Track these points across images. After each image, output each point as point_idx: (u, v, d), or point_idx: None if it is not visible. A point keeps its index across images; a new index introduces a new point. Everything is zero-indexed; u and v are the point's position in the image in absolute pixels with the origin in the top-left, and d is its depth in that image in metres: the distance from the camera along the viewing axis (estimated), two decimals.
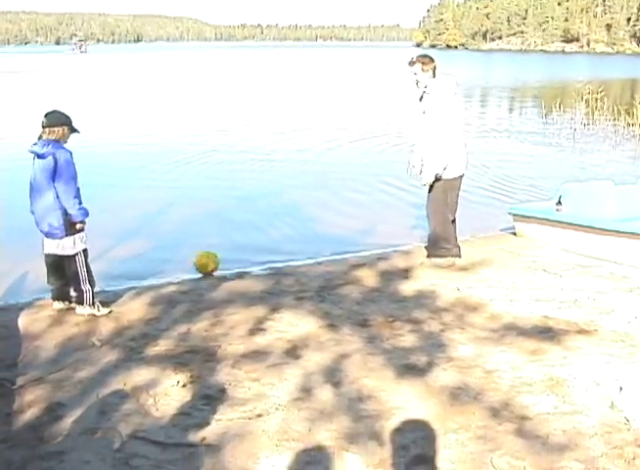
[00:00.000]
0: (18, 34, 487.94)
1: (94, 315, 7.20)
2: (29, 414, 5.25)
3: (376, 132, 22.74)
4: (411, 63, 8.42)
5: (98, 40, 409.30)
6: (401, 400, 5.23)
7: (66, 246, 7.05)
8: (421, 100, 8.56)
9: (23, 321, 7.19)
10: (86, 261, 7.22)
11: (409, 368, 5.77)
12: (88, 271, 7.25)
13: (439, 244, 8.72)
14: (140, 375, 5.78)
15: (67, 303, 7.39)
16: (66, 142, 7.05)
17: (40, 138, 6.93)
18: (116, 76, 65.57)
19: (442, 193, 8.54)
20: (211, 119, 27.14)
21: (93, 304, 7.25)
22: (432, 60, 8.43)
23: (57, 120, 6.96)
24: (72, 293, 7.31)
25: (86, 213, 7.10)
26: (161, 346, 6.37)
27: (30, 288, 8.54)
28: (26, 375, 5.92)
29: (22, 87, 51.26)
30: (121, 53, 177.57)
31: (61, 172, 6.82)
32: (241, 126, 24.57)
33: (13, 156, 17.64)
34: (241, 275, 8.59)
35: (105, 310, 7.28)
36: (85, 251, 7.21)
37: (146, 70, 78.24)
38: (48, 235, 7.03)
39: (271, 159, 17.90)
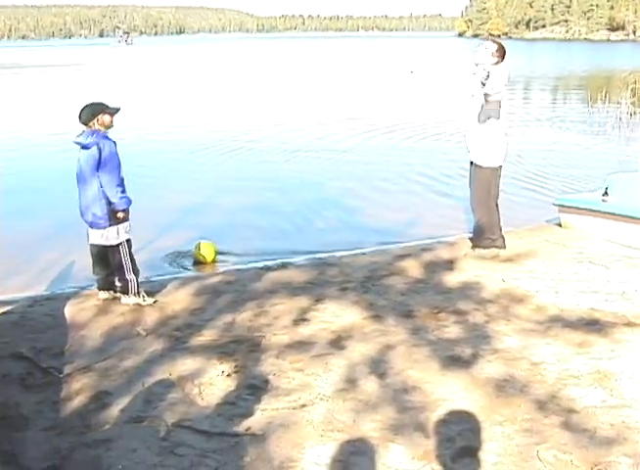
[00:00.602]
0: (62, 28, 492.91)
1: (139, 305, 7.28)
2: (77, 402, 5.32)
3: (415, 122, 22.56)
4: (491, 41, 8.52)
5: (141, 32, 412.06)
6: (446, 392, 5.21)
7: (109, 236, 7.14)
8: (483, 84, 8.24)
9: (70, 310, 7.28)
10: (130, 251, 7.31)
11: (454, 360, 5.75)
12: (132, 261, 7.33)
13: (485, 234, 8.66)
14: (185, 365, 5.82)
15: (112, 292, 7.48)
16: (112, 126, 7.13)
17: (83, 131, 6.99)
18: (164, 68, 66.25)
19: (486, 183, 8.48)
20: (252, 111, 27.22)
21: (138, 293, 7.33)
22: (505, 52, 8.44)
23: (89, 115, 7.01)
24: (117, 283, 7.40)
25: (129, 202, 7.18)
26: (206, 336, 6.41)
27: (77, 278, 8.65)
28: (73, 364, 6.00)
29: (80, 79, 51.77)
30: (166, 45, 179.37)
31: (105, 162, 6.92)
32: (280, 118, 24.55)
33: (62, 147, 17.89)
34: (285, 265, 8.61)
35: (150, 300, 7.36)
36: (129, 241, 7.30)
37: (190, 62, 79.01)
38: (92, 225, 7.13)
39: (312, 150, 17.89)
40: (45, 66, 73.52)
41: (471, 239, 8.91)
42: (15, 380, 5.73)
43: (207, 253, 9.06)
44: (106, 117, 7.04)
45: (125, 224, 7.21)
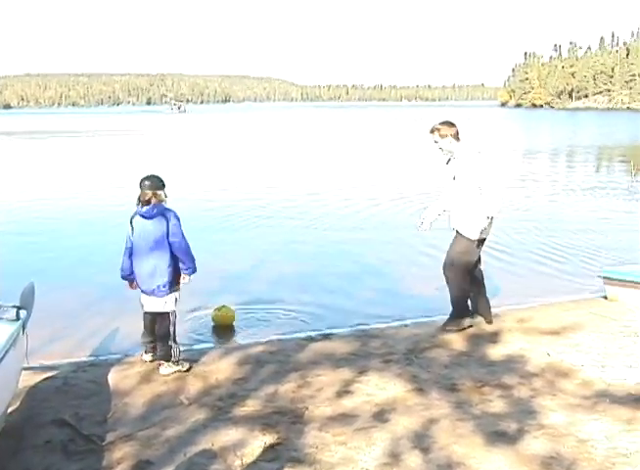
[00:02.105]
0: (111, 95, 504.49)
1: (179, 371, 7.35)
2: None
3: None
4: (430, 131, 8.39)
5: (187, 100, 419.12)
6: (492, 468, 5.13)
7: (169, 302, 7.38)
8: (448, 163, 8.46)
9: (113, 377, 7.32)
10: (175, 320, 7.50)
11: (499, 435, 5.66)
12: (175, 329, 7.50)
13: (462, 310, 8.65)
14: (228, 435, 5.80)
15: (155, 355, 7.62)
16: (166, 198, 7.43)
17: (139, 199, 7.30)
18: (215, 136, 67.45)
19: (466, 256, 8.42)
20: (293, 179, 27.43)
21: (178, 361, 7.43)
22: (451, 125, 8.34)
23: (159, 184, 7.37)
24: (159, 350, 7.51)
25: (195, 269, 7.51)
26: (249, 406, 6.39)
27: (120, 344, 8.73)
28: (116, 432, 6.00)
29: (142, 145, 53.14)
30: (215, 113, 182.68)
31: (173, 231, 7.24)
32: (321, 186, 24.65)
33: (107, 214, 18.22)
34: (327, 336, 8.60)
35: (187, 365, 7.47)
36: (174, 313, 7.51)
37: (238, 129, 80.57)
38: (155, 293, 7.32)
39: (352, 219, 17.95)
40: (109, 131, 76.88)
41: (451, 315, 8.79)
42: (57, 447, 5.75)
43: (226, 317, 9.31)
44: (165, 195, 7.39)
45: (178, 293, 7.49)
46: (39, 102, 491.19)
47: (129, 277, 7.58)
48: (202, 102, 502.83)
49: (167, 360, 7.43)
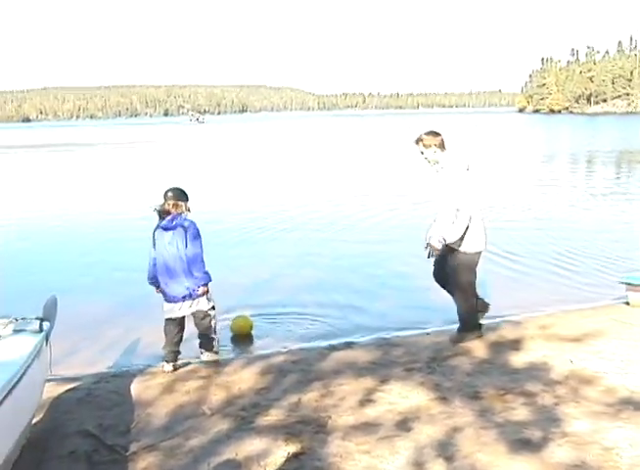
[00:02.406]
0: (129, 107, 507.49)
1: (217, 360, 8.11)
2: None
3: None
4: (415, 142, 8.32)
5: (205, 111, 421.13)
6: None
7: (202, 302, 7.90)
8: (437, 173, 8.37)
9: (136, 388, 7.38)
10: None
11: (523, 443, 5.63)
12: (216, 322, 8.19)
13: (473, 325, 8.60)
14: (251, 445, 5.81)
15: (176, 364, 7.96)
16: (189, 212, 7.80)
17: (161, 207, 7.70)
18: (233, 145, 67.99)
19: (467, 270, 8.35)
20: (315, 189, 27.46)
21: (217, 352, 8.21)
22: (436, 134, 8.27)
23: (182, 196, 7.84)
24: (200, 345, 8.19)
25: (209, 278, 7.89)
26: (272, 416, 6.40)
27: (141, 355, 8.82)
28: (139, 442, 6.04)
29: (164, 156, 53.63)
30: (234, 123, 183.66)
31: (191, 239, 7.63)
32: (343, 196, 24.67)
33: (131, 225, 18.33)
34: (349, 345, 8.59)
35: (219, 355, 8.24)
36: (213, 307, 8.08)
37: (256, 139, 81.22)
38: (185, 298, 7.76)
39: (376, 228, 17.93)
40: (131, 142, 77.64)
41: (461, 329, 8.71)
42: (81, 457, 5.80)
43: (244, 327, 9.44)
44: (188, 207, 7.88)
45: (210, 293, 7.99)
46: (58, 115, 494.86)
47: (156, 283, 8.00)
48: (219, 112, 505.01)
49: (209, 350, 8.12)
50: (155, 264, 7.88)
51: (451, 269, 8.41)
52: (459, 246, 8.20)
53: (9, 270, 13.87)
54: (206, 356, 8.14)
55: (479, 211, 8.24)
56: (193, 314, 7.99)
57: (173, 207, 7.72)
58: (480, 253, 8.36)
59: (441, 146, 8.21)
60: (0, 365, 5.27)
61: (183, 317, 8.00)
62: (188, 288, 7.76)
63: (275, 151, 56.65)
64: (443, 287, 8.71)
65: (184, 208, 7.79)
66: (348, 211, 20.54)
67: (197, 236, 7.69)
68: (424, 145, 8.21)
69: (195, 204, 8.09)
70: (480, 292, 8.57)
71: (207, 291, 7.93)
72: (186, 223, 7.67)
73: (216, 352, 8.21)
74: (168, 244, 7.68)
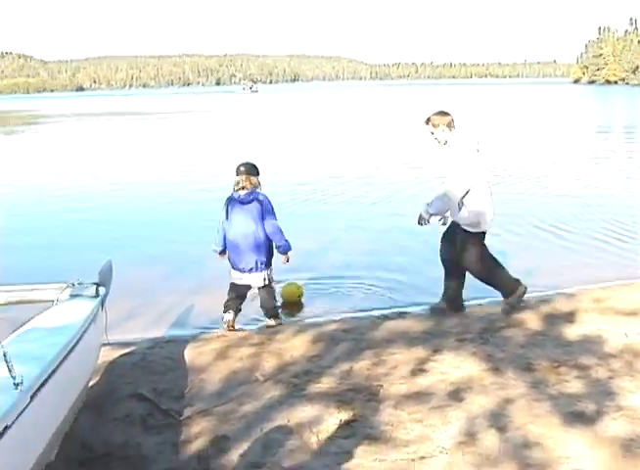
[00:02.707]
0: (181, 76, 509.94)
1: (280, 324, 8.42)
2: (196, 445, 5.41)
3: (532, 173, 22.15)
4: (425, 121, 8.24)
5: (256, 80, 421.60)
6: (570, 450, 5.06)
7: (267, 277, 8.21)
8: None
9: (189, 354, 7.45)
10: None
11: (577, 416, 5.58)
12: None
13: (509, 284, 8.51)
14: (303, 412, 5.84)
15: (235, 316, 8.41)
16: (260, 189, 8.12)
17: (237, 184, 8.06)
18: (292, 114, 68.49)
19: (480, 248, 8.29)
20: (368, 157, 27.30)
21: (281, 318, 8.57)
22: (445, 114, 8.17)
23: (254, 170, 8.19)
24: (266, 313, 8.52)
25: (290, 246, 8.26)
26: (324, 383, 6.42)
27: (195, 321, 8.92)
28: (193, 407, 6.10)
29: (222, 125, 54.01)
30: (286, 92, 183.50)
31: (267, 213, 7.98)
32: (397, 164, 24.55)
33: (191, 195, 18.47)
34: (402, 315, 8.57)
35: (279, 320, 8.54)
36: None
37: (314, 108, 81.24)
38: (253, 271, 8.14)
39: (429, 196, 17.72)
40: (186, 111, 78.87)
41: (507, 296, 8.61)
42: (136, 420, 5.87)
43: (294, 293, 9.57)
44: (259, 181, 8.24)
45: (272, 270, 8.31)
46: (111, 84, 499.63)
47: (223, 251, 8.36)
48: (270, 81, 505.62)
49: (274, 317, 8.45)
50: (225, 236, 8.20)
51: (457, 250, 8.34)
52: (467, 225, 8.15)
53: (68, 235, 14.12)
54: (273, 322, 8.42)
55: (488, 191, 8.16)
56: (258, 286, 8.27)
57: (246, 181, 8.04)
58: (484, 232, 8.30)
59: (450, 125, 8.12)
60: (58, 329, 5.35)
61: (248, 286, 8.33)
62: (257, 261, 8.05)
63: (329, 119, 56.55)
64: (448, 266, 8.61)
65: (256, 181, 8.13)
66: (403, 180, 20.42)
67: (272, 209, 8.04)
68: (433, 125, 8.15)
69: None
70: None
71: (288, 258, 8.33)
72: (260, 197, 8.00)
73: (280, 318, 8.52)
74: (243, 217, 7.99)
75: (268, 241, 8.09)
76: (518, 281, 8.53)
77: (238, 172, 8.12)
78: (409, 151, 29.28)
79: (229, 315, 8.30)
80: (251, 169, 8.16)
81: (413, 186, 19.27)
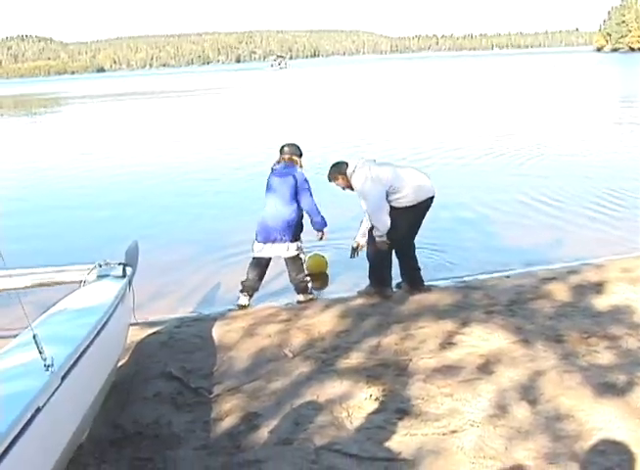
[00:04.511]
0: (200, 54, 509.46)
1: (311, 299, 8.47)
2: (227, 423, 5.42)
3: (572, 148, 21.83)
4: (331, 179, 8.38)
5: (284, 55, 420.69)
6: (601, 421, 5.03)
7: (291, 248, 8.22)
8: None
9: (217, 332, 7.46)
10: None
11: (608, 387, 5.55)
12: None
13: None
14: (333, 387, 5.84)
15: (250, 298, 8.48)
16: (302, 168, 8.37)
17: (279, 163, 8.25)
18: (325, 90, 67.59)
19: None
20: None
21: (311, 292, 8.58)
22: (335, 166, 8.32)
23: (297, 151, 8.40)
24: (296, 287, 8.52)
25: (325, 223, 8.43)
26: (353, 358, 6.42)
27: (222, 300, 8.92)
28: (222, 384, 6.12)
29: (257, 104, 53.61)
30: (313, 67, 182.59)
31: (302, 190, 8.15)
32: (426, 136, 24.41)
33: (216, 173, 18.48)
34: (429, 288, 8.51)
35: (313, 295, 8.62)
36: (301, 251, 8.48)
37: (353, 82, 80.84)
38: (278, 240, 8.20)
39: (458, 165, 17.74)
40: (218, 88, 77.93)
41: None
42: (166, 399, 5.90)
43: (319, 265, 9.58)
44: (303, 160, 8.44)
45: (301, 244, 8.40)
46: (131, 64, 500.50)
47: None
48: (290, 57, 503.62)
49: (304, 292, 8.47)
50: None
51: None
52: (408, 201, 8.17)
53: (96, 216, 14.20)
54: (302, 297, 8.47)
55: (407, 172, 8.34)
56: (285, 260, 8.35)
57: (289, 160, 8.26)
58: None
59: (341, 173, 8.26)
60: (87, 310, 5.37)
61: (269, 260, 8.39)
62: (280, 232, 8.12)
63: (375, 93, 56.06)
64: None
65: (298, 162, 8.31)
66: (425, 151, 20.31)
67: (308, 187, 8.18)
68: (333, 179, 8.38)
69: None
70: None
71: (323, 235, 8.53)
72: (296, 174, 8.16)
73: (311, 293, 8.57)
74: (276, 189, 8.17)
75: (297, 216, 8.18)
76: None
77: (281, 152, 8.36)
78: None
79: (244, 299, 8.43)
80: (295, 150, 8.38)
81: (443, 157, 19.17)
